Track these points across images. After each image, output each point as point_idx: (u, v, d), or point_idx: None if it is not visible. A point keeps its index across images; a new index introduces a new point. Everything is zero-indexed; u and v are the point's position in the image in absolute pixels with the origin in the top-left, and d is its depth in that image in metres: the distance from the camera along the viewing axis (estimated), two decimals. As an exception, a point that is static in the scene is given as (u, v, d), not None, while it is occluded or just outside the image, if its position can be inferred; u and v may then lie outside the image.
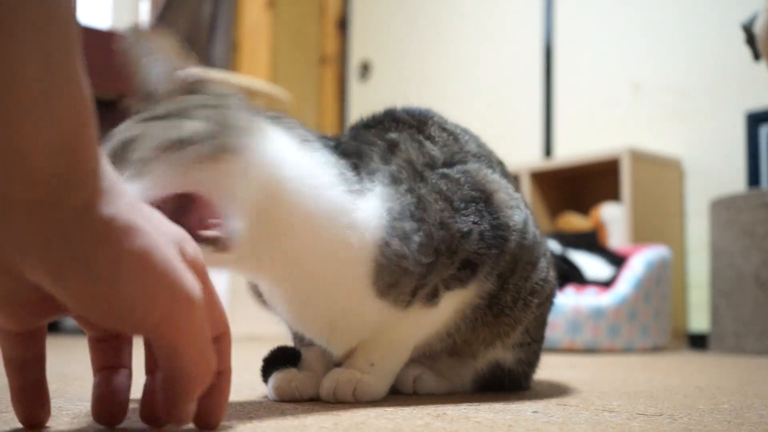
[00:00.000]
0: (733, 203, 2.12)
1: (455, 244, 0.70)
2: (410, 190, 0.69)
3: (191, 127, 0.59)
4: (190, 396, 0.45)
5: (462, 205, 0.71)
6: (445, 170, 0.73)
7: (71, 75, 0.39)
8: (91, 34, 2.18)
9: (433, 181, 0.71)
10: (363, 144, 0.73)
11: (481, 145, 0.83)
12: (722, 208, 2.16)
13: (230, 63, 3.79)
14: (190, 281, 0.44)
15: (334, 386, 0.70)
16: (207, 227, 0.60)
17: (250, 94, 2.87)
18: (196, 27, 3.71)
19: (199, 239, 0.57)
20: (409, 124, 0.77)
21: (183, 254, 0.46)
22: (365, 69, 3.97)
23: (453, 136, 0.79)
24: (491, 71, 3.30)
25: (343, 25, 4.12)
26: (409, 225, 0.68)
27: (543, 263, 0.81)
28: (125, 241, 0.41)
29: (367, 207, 0.67)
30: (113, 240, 0.41)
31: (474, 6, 3.41)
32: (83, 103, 0.40)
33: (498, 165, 0.83)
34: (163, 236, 0.44)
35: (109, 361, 0.52)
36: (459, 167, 0.75)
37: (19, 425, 0.53)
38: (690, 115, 2.58)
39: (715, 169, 2.50)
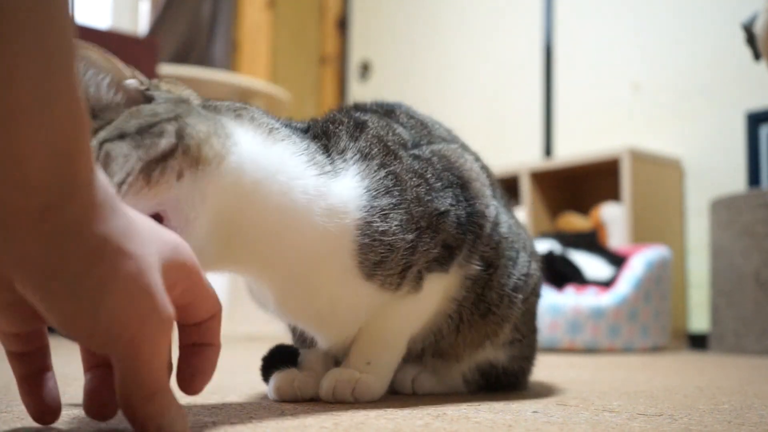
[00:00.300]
0: (734, 203, 2.12)
1: (434, 221, 0.70)
2: (383, 165, 0.68)
3: (162, 145, 0.56)
4: (138, 403, 0.44)
5: (438, 184, 0.71)
6: (416, 151, 0.73)
7: (69, 81, 0.39)
8: (90, 34, 2.18)
9: (406, 161, 0.71)
10: (330, 123, 0.72)
11: (450, 133, 0.84)
12: (722, 208, 2.16)
13: (230, 63, 3.79)
14: (165, 304, 0.44)
15: (333, 386, 0.70)
16: None
17: (250, 94, 2.88)
18: (196, 27, 3.70)
19: None
20: (376, 112, 0.78)
21: (174, 261, 0.46)
22: (365, 69, 3.97)
23: (421, 122, 0.80)
24: (491, 71, 3.30)
25: (343, 25, 4.12)
26: (386, 201, 0.67)
27: (523, 257, 0.81)
28: (115, 264, 0.41)
29: (342, 188, 0.66)
30: (104, 261, 0.41)
31: (474, 6, 3.41)
32: (79, 111, 0.40)
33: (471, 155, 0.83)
34: (153, 250, 0.44)
35: (100, 360, 0.53)
36: (428, 147, 0.75)
37: (20, 425, 0.53)
38: (690, 115, 2.58)
39: (715, 169, 2.50)
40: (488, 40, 3.33)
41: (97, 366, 0.53)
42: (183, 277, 0.48)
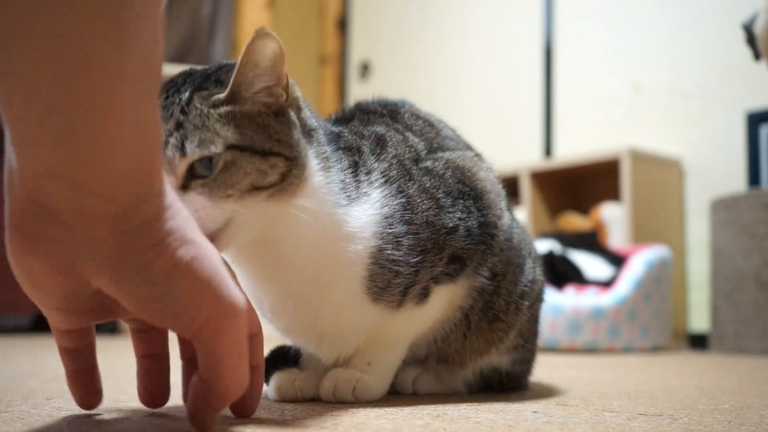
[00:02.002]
0: (733, 203, 2.12)
1: (441, 240, 0.70)
2: (400, 191, 0.69)
3: (269, 180, 0.60)
4: (222, 402, 0.49)
5: (448, 201, 0.71)
6: (429, 164, 0.74)
7: (156, 107, 0.45)
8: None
9: (419, 178, 0.71)
10: (357, 137, 0.72)
11: (455, 132, 0.84)
12: (722, 208, 2.16)
13: (230, 63, 3.79)
14: (235, 291, 0.48)
15: (334, 386, 0.70)
16: None
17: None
18: (196, 27, 3.71)
19: None
20: (380, 113, 0.78)
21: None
22: (365, 69, 3.97)
23: (428, 122, 0.80)
24: (491, 71, 3.30)
25: (343, 25, 4.12)
26: (399, 229, 0.68)
27: (529, 263, 0.81)
28: (179, 251, 0.46)
29: (362, 215, 0.67)
30: (170, 249, 0.46)
31: (474, 6, 3.41)
32: (159, 128, 0.46)
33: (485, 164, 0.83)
34: (208, 246, 0.49)
35: (150, 349, 0.58)
36: (440, 155, 0.75)
37: (20, 425, 0.53)
38: (690, 115, 2.58)
39: (715, 169, 2.50)
40: (488, 40, 3.33)
41: (145, 356, 0.58)
42: None
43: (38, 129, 0.41)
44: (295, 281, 0.66)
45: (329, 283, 0.67)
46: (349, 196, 0.67)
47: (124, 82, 0.42)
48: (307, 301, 0.67)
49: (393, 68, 3.81)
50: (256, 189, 0.59)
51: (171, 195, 0.48)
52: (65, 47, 0.39)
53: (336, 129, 0.73)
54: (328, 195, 0.65)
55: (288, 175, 0.61)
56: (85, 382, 0.56)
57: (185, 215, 0.48)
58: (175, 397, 0.60)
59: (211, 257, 0.47)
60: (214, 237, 0.59)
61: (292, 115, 0.64)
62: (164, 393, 0.59)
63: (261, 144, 0.60)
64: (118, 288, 0.46)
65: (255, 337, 0.55)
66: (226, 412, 0.62)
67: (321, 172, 0.65)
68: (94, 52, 0.40)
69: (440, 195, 0.71)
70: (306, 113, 0.66)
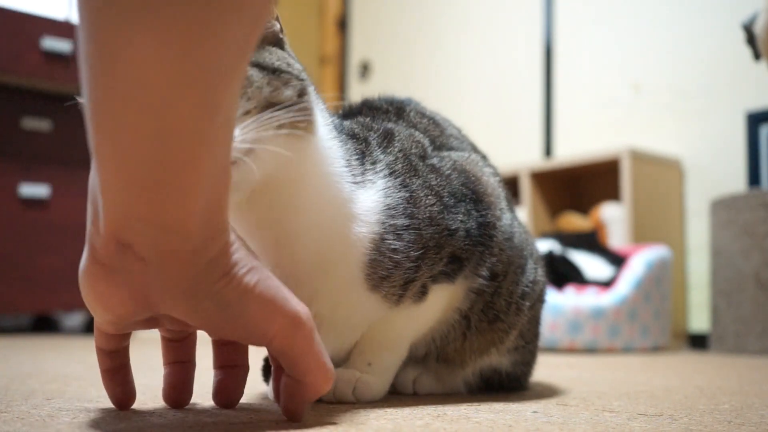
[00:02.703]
0: (733, 203, 2.12)
1: (442, 240, 0.70)
2: (404, 185, 0.69)
3: (287, 94, 0.61)
4: (313, 395, 0.55)
5: (451, 202, 0.72)
6: (435, 161, 0.74)
7: (228, 157, 0.50)
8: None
9: (425, 174, 0.72)
10: (362, 128, 0.73)
11: (460, 131, 0.85)
12: (722, 208, 2.16)
13: (230, 63, 3.79)
14: (297, 303, 0.54)
15: (334, 386, 0.70)
16: None
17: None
18: (196, 27, 3.71)
19: None
20: (386, 110, 0.78)
21: None
22: (365, 69, 3.97)
23: (433, 121, 0.81)
24: (491, 71, 3.30)
25: (343, 25, 4.12)
26: (401, 221, 0.68)
27: (530, 264, 0.81)
28: (246, 277, 0.51)
29: (366, 200, 0.67)
30: (238, 277, 0.51)
31: (474, 6, 3.41)
32: (229, 176, 0.51)
33: (490, 167, 0.83)
34: (267, 271, 0.54)
35: (179, 356, 0.63)
36: (447, 154, 0.76)
37: (20, 425, 0.53)
38: (690, 115, 2.58)
39: (715, 169, 2.50)
40: (488, 39, 3.33)
41: (175, 362, 0.62)
42: None
43: (130, 178, 0.46)
44: (297, 257, 0.66)
45: (330, 263, 0.66)
46: (354, 177, 0.68)
47: (209, 145, 0.47)
48: (307, 279, 0.67)
49: (393, 68, 3.81)
50: (273, 105, 0.60)
51: (233, 230, 0.53)
52: (160, 118, 0.44)
53: (339, 120, 0.74)
54: (335, 163, 0.67)
55: (304, 95, 0.63)
56: (119, 380, 0.60)
57: (244, 247, 0.53)
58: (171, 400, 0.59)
59: (272, 278, 0.53)
60: (235, 166, 0.59)
61: (288, 48, 0.68)
62: (187, 395, 0.64)
63: (271, 61, 0.63)
64: (194, 314, 0.51)
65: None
66: (229, 414, 0.62)
67: (327, 133, 0.68)
68: (185, 122, 0.45)
69: (445, 194, 0.71)
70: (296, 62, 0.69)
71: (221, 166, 0.49)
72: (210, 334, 0.56)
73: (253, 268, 0.52)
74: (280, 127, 0.60)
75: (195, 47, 0.44)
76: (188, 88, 0.45)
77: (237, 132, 0.58)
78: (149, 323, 0.57)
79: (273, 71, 0.62)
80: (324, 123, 0.68)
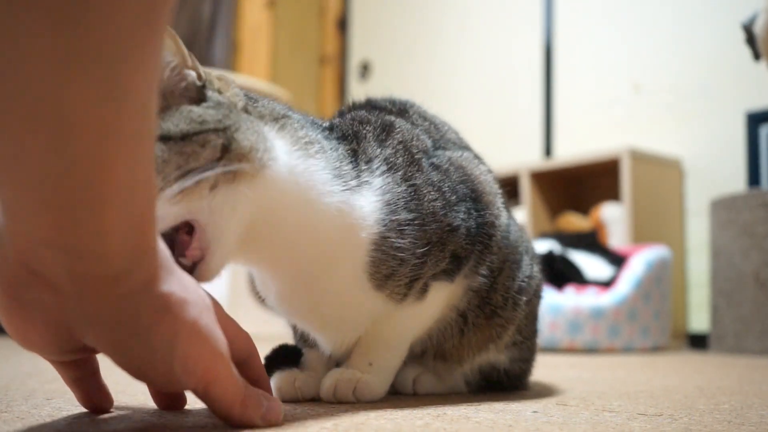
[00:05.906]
0: (733, 203, 2.12)
1: (445, 236, 0.70)
2: (405, 179, 0.69)
3: (205, 156, 0.55)
4: (233, 414, 0.51)
5: (453, 198, 0.71)
6: (435, 159, 0.74)
7: (151, 161, 0.43)
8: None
9: (426, 171, 0.71)
10: (358, 123, 0.72)
11: (458, 135, 0.84)
12: (722, 208, 2.16)
13: (230, 63, 3.79)
14: (222, 339, 0.49)
15: (335, 386, 0.70)
16: (192, 249, 0.58)
17: (250, 94, 2.87)
18: (196, 27, 3.71)
19: (180, 264, 0.54)
20: (389, 111, 0.78)
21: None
22: (365, 69, 3.97)
23: (434, 124, 0.81)
24: (491, 71, 3.30)
25: (343, 25, 4.12)
26: (404, 216, 0.67)
27: (526, 260, 0.82)
28: (180, 313, 0.46)
29: (363, 204, 0.66)
30: (170, 314, 0.45)
31: (474, 6, 3.41)
32: (153, 187, 0.45)
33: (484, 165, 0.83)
34: (201, 300, 0.49)
35: (82, 372, 0.57)
36: (442, 153, 0.76)
37: (20, 425, 0.53)
38: (690, 115, 2.58)
39: (715, 169, 2.50)
40: (488, 40, 3.33)
41: (79, 378, 0.57)
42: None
43: (28, 194, 0.40)
44: (297, 268, 0.66)
45: (331, 268, 0.66)
46: (347, 184, 0.65)
47: (118, 142, 0.39)
48: (311, 286, 0.67)
49: (393, 68, 3.81)
50: (194, 170, 0.54)
51: (164, 254, 0.47)
52: (56, 108, 0.37)
53: (327, 123, 0.72)
54: (318, 179, 0.64)
55: (231, 143, 0.56)
56: (89, 386, 0.57)
57: (177, 274, 0.48)
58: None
59: (205, 313, 0.48)
60: (200, 263, 0.57)
61: (214, 94, 0.59)
62: (107, 397, 0.59)
63: (178, 129, 0.55)
64: (115, 350, 0.46)
65: (251, 357, 0.57)
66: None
67: (298, 157, 0.63)
68: (87, 111, 0.38)
69: (446, 189, 0.71)
70: (236, 90, 0.63)
71: (141, 173, 0.42)
72: (130, 375, 0.48)
73: (189, 302, 0.47)
74: (212, 187, 0.55)
75: (80, 17, 0.36)
76: (81, 66, 0.37)
77: (166, 208, 0.53)
78: (93, 349, 0.50)
79: (182, 138, 0.54)
80: (299, 140, 0.64)
